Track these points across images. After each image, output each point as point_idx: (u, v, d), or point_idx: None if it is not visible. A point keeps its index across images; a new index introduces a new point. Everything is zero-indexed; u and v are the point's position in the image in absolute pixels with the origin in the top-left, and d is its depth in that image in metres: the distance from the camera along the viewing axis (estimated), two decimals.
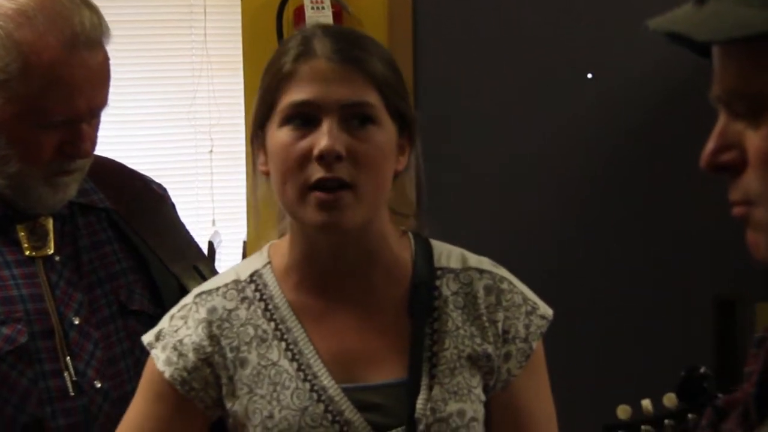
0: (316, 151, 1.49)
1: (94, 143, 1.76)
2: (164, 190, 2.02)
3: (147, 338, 1.64)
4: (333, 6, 3.31)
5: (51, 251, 1.78)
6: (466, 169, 3.42)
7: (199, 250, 1.99)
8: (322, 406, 1.55)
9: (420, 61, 3.48)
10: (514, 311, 1.62)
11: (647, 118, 3.41)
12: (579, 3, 3.45)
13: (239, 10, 3.58)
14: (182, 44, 3.67)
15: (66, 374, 1.73)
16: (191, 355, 1.59)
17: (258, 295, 1.61)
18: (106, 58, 1.75)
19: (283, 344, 1.58)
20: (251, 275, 1.62)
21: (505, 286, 1.63)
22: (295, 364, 1.57)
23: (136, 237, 1.88)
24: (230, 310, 1.60)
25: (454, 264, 1.63)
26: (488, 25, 3.44)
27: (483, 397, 1.60)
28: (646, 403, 1.42)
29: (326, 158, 1.49)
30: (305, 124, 1.52)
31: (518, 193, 3.44)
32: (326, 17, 3.26)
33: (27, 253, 1.77)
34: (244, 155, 3.68)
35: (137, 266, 1.87)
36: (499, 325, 1.61)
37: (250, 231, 3.65)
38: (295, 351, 1.57)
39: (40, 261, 1.77)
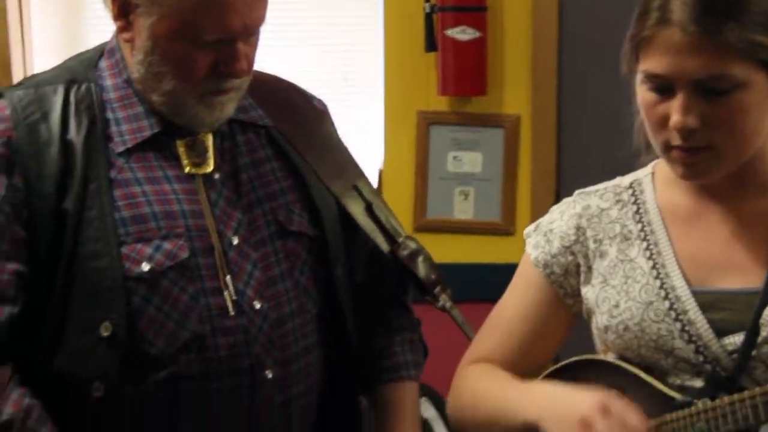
0: (670, 123, 1.54)
1: (250, 63, 1.72)
2: (324, 105, 1.97)
3: (528, 229, 1.79)
4: None
5: (210, 169, 1.75)
6: None
7: (359, 168, 1.94)
8: (667, 303, 1.60)
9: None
10: None
11: None
12: None
13: None
14: None
15: (226, 293, 1.70)
16: (556, 242, 1.73)
17: (633, 198, 1.71)
18: None
19: (645, 244, 1.66)
20: (631, 182, 1.73)
21: None
22: (650, 263, 1.64)
23: (295, 155, 1.84)
24: (603, 209, 1.72)
25: None
26: None
27: None
28: None
29: (680, 132, 1.53)
30: (661, 91, 1.55)
31: None
32: None
33: (187, 170, 1.74)
34: None
35: (296, 185, 1.83)
36: None
37: None
38: (654, 251, 1.65)
39: (200, 178, 1.74)
